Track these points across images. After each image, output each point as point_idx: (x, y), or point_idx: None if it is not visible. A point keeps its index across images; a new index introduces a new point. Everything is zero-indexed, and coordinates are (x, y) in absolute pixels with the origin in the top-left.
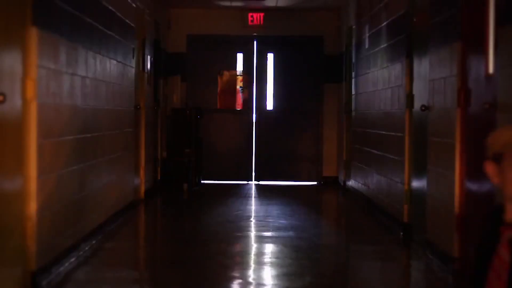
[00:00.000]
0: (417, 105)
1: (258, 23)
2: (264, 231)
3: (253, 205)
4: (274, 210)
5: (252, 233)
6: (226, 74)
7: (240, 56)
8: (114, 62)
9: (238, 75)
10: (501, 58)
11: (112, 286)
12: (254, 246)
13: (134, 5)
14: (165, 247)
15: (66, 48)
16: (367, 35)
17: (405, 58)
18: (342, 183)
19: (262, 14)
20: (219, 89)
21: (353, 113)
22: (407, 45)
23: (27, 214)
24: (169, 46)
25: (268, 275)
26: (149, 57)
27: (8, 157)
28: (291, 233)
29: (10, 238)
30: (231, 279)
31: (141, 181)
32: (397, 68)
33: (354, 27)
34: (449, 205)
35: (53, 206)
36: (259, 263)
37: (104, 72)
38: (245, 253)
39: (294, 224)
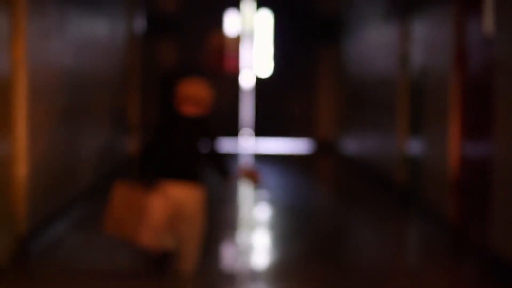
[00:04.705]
0: (411, 67)
1: None
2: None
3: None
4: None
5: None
6: (218, 34)
7: (232, 15)
8: (105, 22)
9: (230, 36)
10: (499, 17)
11: (104, 251)
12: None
13: None
14: None
15: (56, 8)
16: None
17: (400, 19)
18: (336, 141)
19: None
20: (209, 50)
21: (348, 73)
22: (402, 6)
23: (17, 177)
24: (160, 5)
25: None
26: (140, 17)
27: None
28: (286, 191)
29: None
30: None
31: (132, 142)
32: (393, 29)
33: None
34: (444, 169)
35: (44, 168)
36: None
37: (94, 33)
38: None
39: (288, 183)
